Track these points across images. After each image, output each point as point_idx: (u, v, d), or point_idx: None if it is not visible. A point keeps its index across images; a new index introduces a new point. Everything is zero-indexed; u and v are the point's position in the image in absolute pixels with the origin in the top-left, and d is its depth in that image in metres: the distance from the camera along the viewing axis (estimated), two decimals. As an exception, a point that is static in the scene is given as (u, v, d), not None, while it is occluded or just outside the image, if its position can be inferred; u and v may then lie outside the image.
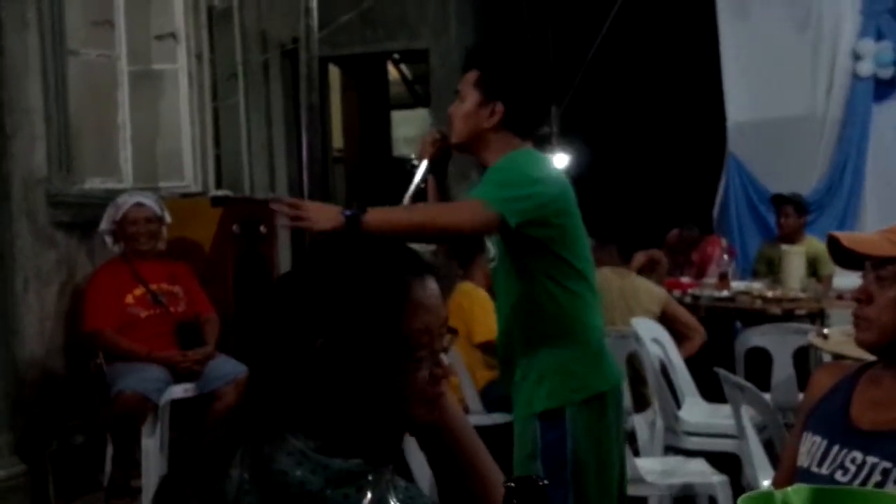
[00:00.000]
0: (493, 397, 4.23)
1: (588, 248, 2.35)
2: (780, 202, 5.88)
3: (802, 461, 1.72)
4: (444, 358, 1.21)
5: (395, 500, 0.95)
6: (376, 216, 2.03)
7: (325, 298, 1.16)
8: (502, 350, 2.43)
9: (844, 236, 1.71)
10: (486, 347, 4.37)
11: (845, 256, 1.71)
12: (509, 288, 2.32)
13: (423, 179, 2.40)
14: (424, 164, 2.39)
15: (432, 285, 1.21)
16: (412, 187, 2.37)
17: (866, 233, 1.74)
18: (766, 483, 2.88)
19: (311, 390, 1.15)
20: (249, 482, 1.11)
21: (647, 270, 5.02)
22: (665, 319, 4.33)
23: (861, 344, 1.71)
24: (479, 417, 4.23)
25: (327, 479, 1.10)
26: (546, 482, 0.97)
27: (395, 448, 1.22)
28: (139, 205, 4.38)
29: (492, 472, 1.30)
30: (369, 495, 0.94)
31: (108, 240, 4.39)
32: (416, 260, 1.23)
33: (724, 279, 5.57)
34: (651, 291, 4.46)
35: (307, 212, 2.01)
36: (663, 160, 7.95)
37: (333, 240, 1.43)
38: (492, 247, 2.38)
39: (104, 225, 4.37)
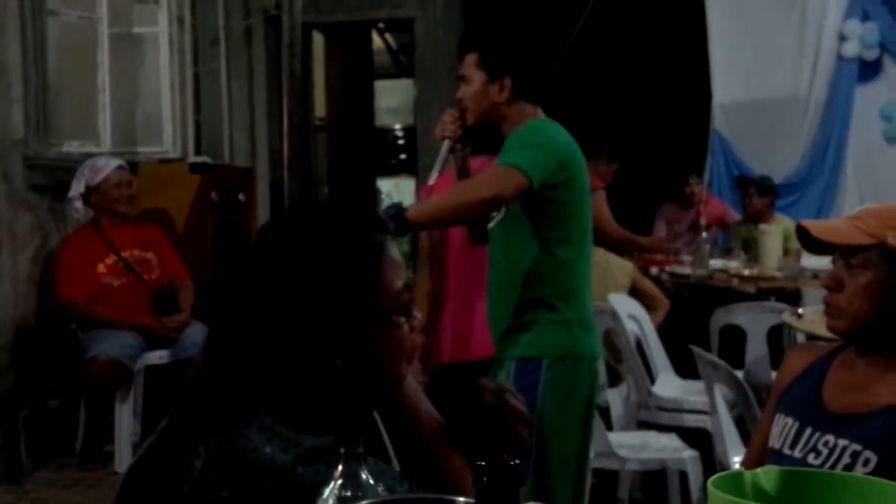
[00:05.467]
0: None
1: (589, 220, 2.45)
2: (744, 184, 6.19)
3: (774, 442, 1.73)
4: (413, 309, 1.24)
5: (365, 473, 0.95)
6: (417, 209, 2.24)
7: (304, 272, 1.15)
8: (492, 305, 2.52)
9: (813, 225, 1.72)
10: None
11: (815, 244, 1.72)
12: (509, 246, 2.42)
13: (447, 158, 2.48)
14: (447, 144, 2.47)
15: (392, 242, 1.23)
16: (437, 167, 2.45)
17: (835, 220, 1.74)
18: (736, 460, 2.90)
19: (290, 366, 1.14)
20: (217, 458, 1.10)
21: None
22: (632, 292, 4.37)
23: (833, 331, 1.72)
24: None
25: (298, 456, 1.09)
26: (518, 462, 0.97)
27: (365, 423, 1.21)
28: (121, 168, 4.35)
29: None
30: (340, 469, 0.94)
31: (79, 205, 4.31)
32: (379, 219, 1.25)
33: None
34: (620, 265, 4.49)
35: None
36: (648, 137, 7.93)
37: (298, 212, 1.40)
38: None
39: (76, 189, 4.28)
